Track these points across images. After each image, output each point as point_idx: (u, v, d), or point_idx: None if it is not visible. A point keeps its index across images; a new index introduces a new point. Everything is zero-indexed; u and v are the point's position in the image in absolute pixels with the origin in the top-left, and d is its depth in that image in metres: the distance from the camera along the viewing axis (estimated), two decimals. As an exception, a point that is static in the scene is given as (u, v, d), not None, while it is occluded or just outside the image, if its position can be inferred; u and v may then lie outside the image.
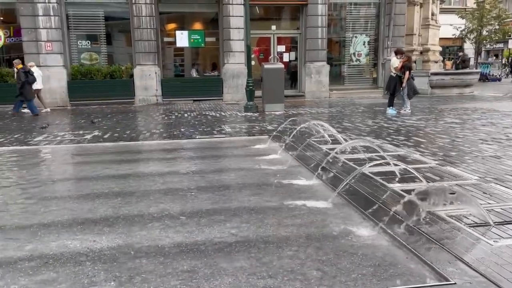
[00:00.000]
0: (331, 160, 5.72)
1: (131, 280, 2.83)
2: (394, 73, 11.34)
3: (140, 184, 5.13)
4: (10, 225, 3.87)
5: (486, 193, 4.40)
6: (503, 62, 32.15)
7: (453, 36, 31.50)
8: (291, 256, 3.15)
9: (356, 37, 17.32)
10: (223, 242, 3.41)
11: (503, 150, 6.49)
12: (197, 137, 8.37)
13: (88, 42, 15.32)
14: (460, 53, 26.05)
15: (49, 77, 14.37)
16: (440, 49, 21.77)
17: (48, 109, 13.39)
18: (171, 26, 16.57)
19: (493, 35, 31.04)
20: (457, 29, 30.78)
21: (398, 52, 11.69)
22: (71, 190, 5.11)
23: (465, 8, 32.95)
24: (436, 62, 20.41)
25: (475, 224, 3.57)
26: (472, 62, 32.27)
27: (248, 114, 11.89)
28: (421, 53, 20.14)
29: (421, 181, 4.63)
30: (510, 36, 32.51)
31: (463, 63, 20.06)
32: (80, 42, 15.20)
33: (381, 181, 4.85)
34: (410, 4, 18.80)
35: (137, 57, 15.08)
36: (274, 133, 8.20)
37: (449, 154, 6.35)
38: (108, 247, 3.34)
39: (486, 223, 3.56)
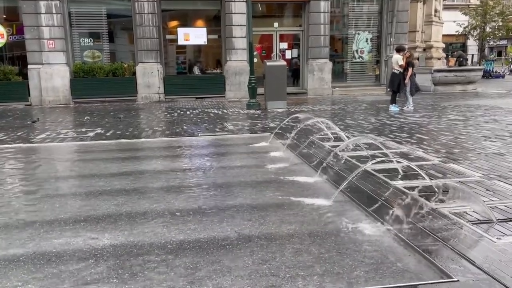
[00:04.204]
0: (333, 158, 5.71)
1: (134, 277, 2.84)
2: (397, 70, 11.30)
3: (143, 182, 5.14)
4: (13, 223, 3.87)
5: (489, 190, 4.39)
6: None
7: (456, 33, 31.37)
8: (293, 254, 3.14)
9: (358, 34, 17.27)
10: (226, 239, 3.41)
11: (506, 147, 6.47)
12: (199, 134, 8.37)
13: (90, 40, 15.33)
14: (455, 53, 25.99)
15: (52, 75, 14.41)
16: (443, 46, 21.69)
17: None
18: (174, 23, 16.55)
19: (496, 32, 30.90)
20: (460, 26, 30.65)
21: (399, 49, 11.65)
22: (73, 188, 5.12)
23: (468, 5, 32.81)
24: (439, 59, 20.34)
25: (478, 221, 3.56)
26: (475, 58, 32.14)
27: (251, 111, 11.89)
28: (424, 50, 20.06)
29: (424, 178, 4.61)
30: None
31: (462, 60, 20.02)
32: (82, 40, 15.21)
33: (384, 178, 4.84)
34: (413, 0, 18.72)
35: (140, 54, 15.08)
36: (277, 130, 8.19)
37: (452, 151, 6.34)
38: (111, 244, 3.35)
39: (489, 220, 3.55)
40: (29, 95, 14.47)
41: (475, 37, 31.49)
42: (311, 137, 7.02)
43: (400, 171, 5.03)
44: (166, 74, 15.85)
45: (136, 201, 4.40)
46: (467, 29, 31.21)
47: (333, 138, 7.14)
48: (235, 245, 3.30)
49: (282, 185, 4.90)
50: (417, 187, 4.45)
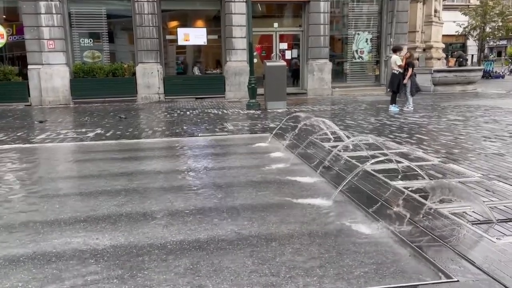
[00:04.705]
0: (333, 158, 5.71)
1: (134, 277, 2.84)
2: (397, 71, 11.31)
3: (143, 182, 5.14)
4: (13, 223, 3.87)
5: (489, 191, 4.39)
6: None
7: (456, 33, 31.39)
8: (293, 254, 3.14)
9: (358, 34, 17.27)
10: (225, 239, 3.41)
11: (506, 148, 6.47)
12: (199, 135, 8.37)
13: (90, 40, 15.33)
14: (455, 52, 26.03)
15: (52, 75, 14.41)
16: (443, 46, 21.69)
17: None
18: (173, 23, 16.56)
19: (496, 32, 30.92)
20: (460, 26, 30.66)
21: (396, 49, 11.68)
22: (73, 188, 5.12)
23: (468, 5, 32.84)
24: (439, 59, 20.34)
25: (478, 222, 3.56)
26: (475, 59, 32.15)
27: (251, 111, 11.89)
28: (424, 50, 20.06)
29: (424, 178, 4.62)
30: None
31: (462, 60, 20.07)
32: (82, 40, 15.21)
33: (383, 178, 4.85)
34: (413, 1, 18.73)
35: (139, 55, 15.09)
36: (276, 130, 8.19)
37: (452, 151, 6.34)
38: (111, 244, 3.35)
39: (489, 221, 3.55)
40: (29, 96, 14.47)
41: (475, 37, 31.50)
42: (311, 137, 7.02)
43: (400, 172, 5.03)
44: (166, 74, 15.85)
45: (136, 202, 4.40)
46: (467, 29, 31.22)
47: (332, 138, 7.14)
48: (235, 245, 3.30)
49: (282, 185, 4.90)
50: (417, 187, 4.46)
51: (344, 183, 4.41)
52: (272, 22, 16.48)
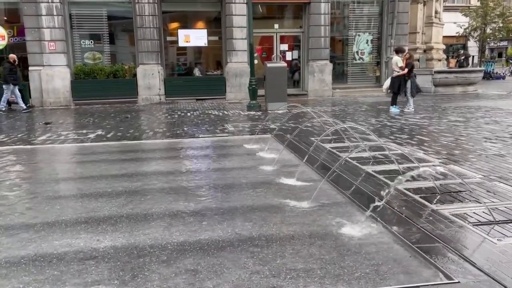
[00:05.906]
0: (335, 160, 5.71)
1: (134, 279, 2.84)
2: (398, 72, 11.29)
3: (143, 183, 5.14)
4: (14, 224, 3.88)
5: (490, 192, 4.39)
6: None
7: (457, 34, 31.38)
8: (294, 255, 3.14)
9: (359, 35, 17.28)
10: (226, 241, 3.41)
11: (507, 149, 6.47)
12: (200, 136, 8.37)
13: (91, 42, 15.35)
14: (461, 51, 26.09)
15: (53, 77, 14.43)
16: (444, 47, 21.68)
17: None
18: (174, 25, 16.57)
19: (497, 33, 30.92)
20: (461, 27, 30.66)
21: (399, 51, 11.68)
22: (74, 189, 5.12)
23: (469, 6, 32.85)
24: (439, 60, 20.33)
25: (479, 223, 3.56)
26: (476, 60, 32.16)
27: (251, 113, 11.89)
28: (424, 51, 20.06)
29: (426, 179, 4.62)
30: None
31: (462, 61, 20.06)
32: (83, 42, 15.23)
33: (384, 179, 4.85)
34: (414, 2, 18.73)
35: (140, 56, 15.10)
36: (276, 132, 8.20)
37: (453, 152, 6.34)
38: (112, 246, 3.35)
39: (490, 222, 3.55)
40: (30, 97, 14.48)
41: (476, 38, 31.51)
42: (311, 138, 7.02)
43: (401, 173, 5.03)
44: (167, 75, 15.87)
45: (137, 203, 4.41)
46: (467, 30, 31.23)
47: (332, 140, 7.13)
48: (235, 247, 3.30)
49: (282, 186, 4.90)
50: (418, 188, 4.47)
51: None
52: (273, 23, 16.48)
